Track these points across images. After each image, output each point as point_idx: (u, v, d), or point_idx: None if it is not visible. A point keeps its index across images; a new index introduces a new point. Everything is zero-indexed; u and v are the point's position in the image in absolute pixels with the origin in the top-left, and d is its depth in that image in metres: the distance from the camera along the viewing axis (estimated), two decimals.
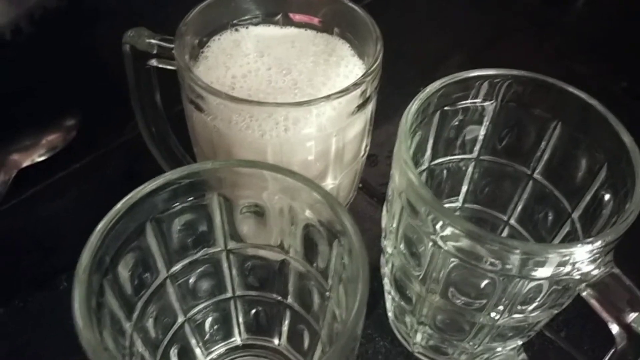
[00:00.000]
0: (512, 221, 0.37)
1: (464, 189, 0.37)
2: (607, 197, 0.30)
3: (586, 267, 0.26)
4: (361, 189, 0.46)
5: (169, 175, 0.27)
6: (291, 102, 0.31)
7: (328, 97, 0.31)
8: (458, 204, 0.38)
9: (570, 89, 0.30)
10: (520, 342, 0.34)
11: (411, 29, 0.61)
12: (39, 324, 0.39)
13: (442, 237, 0.27)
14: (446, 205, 0.38)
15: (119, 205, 0.26)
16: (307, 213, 0.28)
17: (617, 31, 0.60)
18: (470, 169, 0.36)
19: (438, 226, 0.27)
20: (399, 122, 0.29)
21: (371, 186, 0.47)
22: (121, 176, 0.48)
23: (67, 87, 0.51)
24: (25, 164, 0.46)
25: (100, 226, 0.25)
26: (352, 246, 0.25)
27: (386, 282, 0.35)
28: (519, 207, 0.36)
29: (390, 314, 0.37)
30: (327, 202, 0.26)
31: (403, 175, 0.28)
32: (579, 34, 0.61)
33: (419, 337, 0.35)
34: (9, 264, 0.42)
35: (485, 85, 0.31)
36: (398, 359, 0.38)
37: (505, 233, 0.38)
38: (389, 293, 0.35)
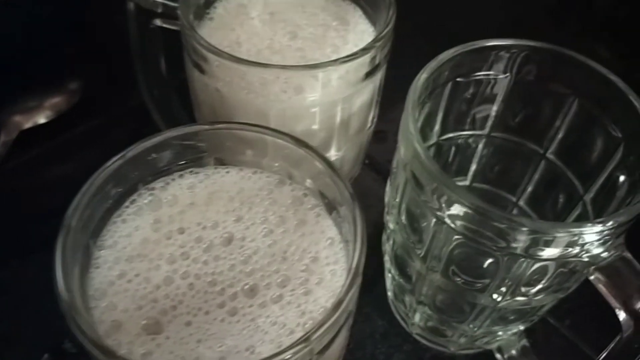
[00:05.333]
0: (521, 202, 0.36)
1: (473, 167, 0.36)
2: (621, 178, 0.28)
3: (596, 249, 0.25)
4: (368, 165, 0.45)
5: (165, 135, 0.26)
6: (296, 64, 0.30)
7: (334, 62, 0.29)
8: (466, 183, 0.37)
9: (590, 63, 0.29)
10: (522, 327, 0.32)
11: (433, 2, 0.59)
12: (37, 285, 0.38)
13: (446, 213, 0.26)
14: None
15: (109, 163, 0.25)
16: (308, 183, 0.27)
17: None
18: (480, 147, 0.35)
19: (443, 201, 0.25)
20: None
21: (378, 163, 0.45)
22: (127, 142, 0.48)
23: (72, 49, 0.51)
24: (27, 125, 0.45)
25: (85, 186, 0.24)
26: (352, 215, 0.24)
27: (387, 259, 0.34)
28: (529, 189, 0.35)
29: (389, 293, 0.36)
30: (329, 171, 0.25)
31: (409, 146, 0.26)
32: (606, 15, 0.59)
33: (417, 317, 0.34)
34: (8, 225, 0.41)
35: (501, 55, 0.29)
36: (396, 340, 0.37)
37: None
38: (389, 271, 0.34)
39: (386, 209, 0.32)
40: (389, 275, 0.34)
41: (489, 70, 0.30)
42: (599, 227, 0.24)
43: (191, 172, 0.27)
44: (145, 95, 0.39)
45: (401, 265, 0.32)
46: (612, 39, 0.56)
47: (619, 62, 0.52)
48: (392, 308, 0.37)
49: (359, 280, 0.23)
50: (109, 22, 0.54)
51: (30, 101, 0.46)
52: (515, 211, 0.36)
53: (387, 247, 0.33)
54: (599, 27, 0.57)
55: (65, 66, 0.49)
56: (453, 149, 0.35)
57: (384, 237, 0.33)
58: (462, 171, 0.37)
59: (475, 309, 0.30)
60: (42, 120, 0.46)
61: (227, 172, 0.28)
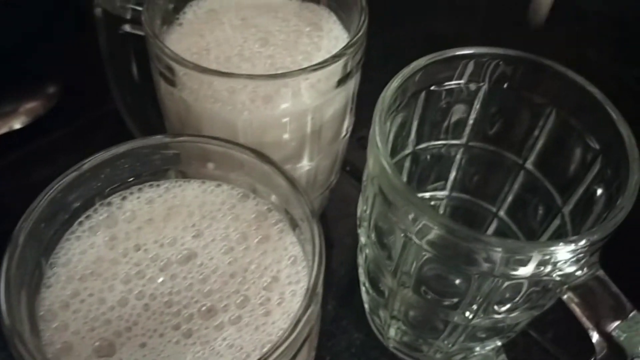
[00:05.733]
0: (501, 213, 0.35)
1: (452, 176, 0.35)
2: (599, 191, 0.27)
3: (568, 268, 0.24)
4: (348, 172, 0.44)
5: (124, 146, 0.26)
6: (265, 74, 0.29)
7: (304, 70, 0.28)
8: (445, 193, 0.36)
9: (568, 72, 0.28)
10: (499, 343, 0.31)
11: (417, 7, 0.58)
12: None
13: (414, 231, 0.25)
14: (433, 194, 0.36)
15: (63, 176, 0.24)
16: (273, 198, 0.26)
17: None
18: (458, 156, 0.34)
19: (411, 219, 0.24)
20: None
21: (360, 170, 0.44)
22: (106, 147, 0.47)
23: (50, 52, 0.50)
24: (2, 131, 0.44)
25: (36, 201, 0.23)
26: (311, 234, 0.23)
27: (360, 272, 0.33)
28: (509, 199, 0.34)
29: (366, 306, 0.35)
30: (291, 187, 0.24)
31: (376, 161, 0.25)
32: (595, 16, 0.58)
33: (392, 332, 0.33)
34: None
35: (475, 64, 0.29)
36: (373, 353, 0.36)
37: (493, 225, 0.35)
38: (364, 284, 0.33)
39: (358, 222, 0.31)
40: (363, 288, 0.33)
41: (463, 79, 0.29)
42: (571, 247, 0.23)
43: (151, 185, 0.26)
44: (118, 102, 0.38)
45: (374, 280, 0.31)
46: (602, 41, 0.55)
47: (607, 66, 0.51)
48: (369, 321, 0.36)
49: (317, 300, 0.22)
50: (86, 25, 0.53)
51: (5, 106, 0.45)
52: (495, 222, 0.35)
53: (360, 260, 0.32)
54: (590, 30, 0.56)
55: (41, 70, 0.48)
56: (431, 158, 0.34)
57: (358, 249, 0.32)
58: (441, 181, 0.36)
59: (448, 325, 0.29)
60: (17, 125, 0.45)
61: (189, 185, 0.27)
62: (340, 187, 0.42)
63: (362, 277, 0.33)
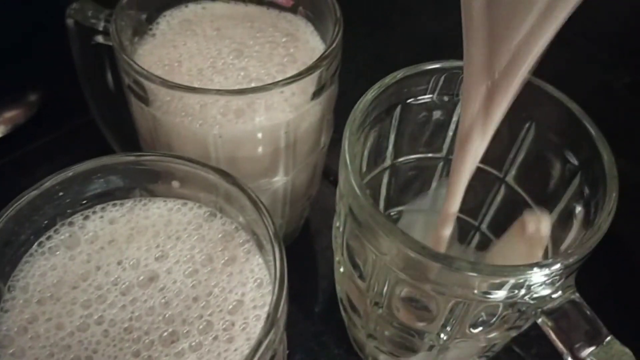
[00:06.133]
0: (483, 227, 0.34)
1: (433, 188, 0.34)
2: (578, 209, 0.26)
3: (543, 291, 0.23)
4: (332, 181, 0.43)
5: (87, 165, 0.25)
6: (234, 89, 0.28)
7: (276, 84, 0.28)
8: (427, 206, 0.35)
9: (546, 87, 0.27)
10: None
11: (408, 10, 0.57)
12: None
13: (384, 252, 0.24)
14: (414, 207, 0.35)
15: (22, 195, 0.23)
16: (240, 218, 0.26)
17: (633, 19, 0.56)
18: (439, 169, 0.33)
19: (380, 240, 0.24)
20: None
21: None
22: (87, 157, 0.46)
23: (30, 60, 0.49)
24: None
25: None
26: (273, 257, 0.22)
27: (338, 289, 0.32)
28: (491, 213, 0.33)
29: (346, 322, 0.34)
30: (254, 208, 0.23)
31: (346, 179, 0.25)
32: (585, 22, 0.57)
33: (370, 350, 0.32)
34: None
35: (451, 77, 0.28)
36: None
37: (475, 239, 0.35)
38: (341, 302, 0.32)
39: (333, 238, 0.30)
40: (341, 305, 0.33)
41: (435, 92, 0.28)
42: (545, 271, 0.22)
43: (114, 204, 0.26)
44: (94, 113, 0.37)
45: (350, 298, 0.30)
46: (593, 48, 0.54)
47: (597, 71, 0.50)
48: (350, 337, 0.35)
49: (279, 325, 0.21)
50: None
51: None
52: (477, 236, 0.35)
53: (337, 276, 0.31)
54: (580, 36, 0.55)
55: (22, 78, 0.48)
56: (411, 171, 0.33)
57: (335, 266, 0.32)
58: (423, 193, 0.35)
59: (424, 345, 0.28)
60: None
61: (154, 204, 0.26)
62: (324, 198, 0.42)
63: (340, 294, 0.32)
